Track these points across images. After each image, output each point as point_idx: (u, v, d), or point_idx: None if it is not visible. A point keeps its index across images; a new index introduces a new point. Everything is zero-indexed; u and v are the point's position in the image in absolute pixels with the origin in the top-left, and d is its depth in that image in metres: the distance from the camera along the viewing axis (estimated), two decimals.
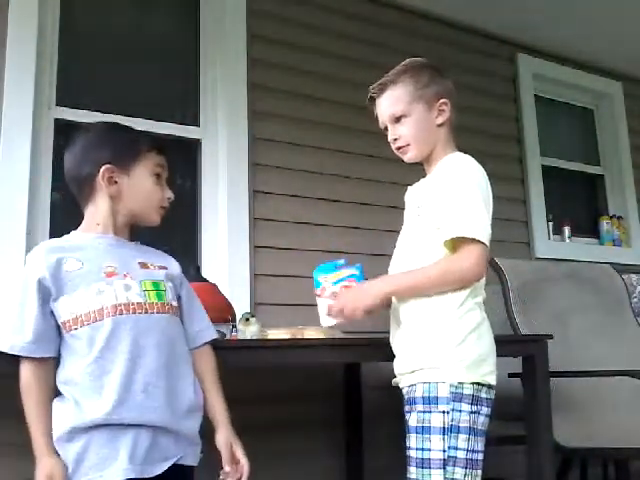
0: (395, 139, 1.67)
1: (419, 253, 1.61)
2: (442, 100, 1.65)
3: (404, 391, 1.60)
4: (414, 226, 1.67)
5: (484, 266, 1.54)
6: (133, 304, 1.36)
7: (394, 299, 1.66)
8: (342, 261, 1.76)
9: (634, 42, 3.77)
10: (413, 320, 1.61)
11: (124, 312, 1.35)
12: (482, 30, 3.59)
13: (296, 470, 2.52)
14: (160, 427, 1.34)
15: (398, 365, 1.63)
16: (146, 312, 1.38)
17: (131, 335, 1.34)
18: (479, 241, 1.51)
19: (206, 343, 1.53)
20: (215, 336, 1.57)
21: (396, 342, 1.66)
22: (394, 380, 1.65)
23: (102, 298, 1.35)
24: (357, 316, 1.62)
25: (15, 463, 2.06)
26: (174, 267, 1.54)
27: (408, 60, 1.72)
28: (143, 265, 1.46)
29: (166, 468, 1.34)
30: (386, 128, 1.71)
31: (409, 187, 1.74)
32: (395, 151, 1.70)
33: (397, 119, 1.66)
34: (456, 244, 1.55)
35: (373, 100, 1.72)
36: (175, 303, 1.46)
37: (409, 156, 1.68)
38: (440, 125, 1.66)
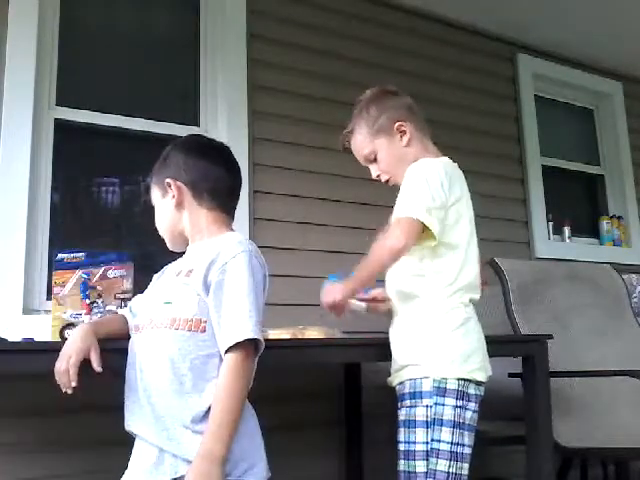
0: (378, 175, 1.79)
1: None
2: (397, 123, 1.74)
3: (396, 389, 1.65)
4: None
5: (408, 235, 1.58)
6: None
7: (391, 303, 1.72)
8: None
9: (634, 42, 3.77)
10: (401, 321, 1.68)
11: None
12: (482, 30, 3.59)
13: (296, 470, 2.52)
14: None
15: (392, 364, 1.70)
16: None
17: None
18: (408, 217, 1.59)
19: None
20: None
21: (391, 342, 1.71)
22: (388, 379, 1.70)
23: None
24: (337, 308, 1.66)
25: (13, 463, 2.06)
26: None
27: (357, 100, 1.83)
28: None
29: None
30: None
31: None
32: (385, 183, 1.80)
33: (370, 159, 1.78)
34: None
35: (348, 149, 1.85)
36: None
37: (396, 183, 1.76)
38: (407, 145, 1.74)
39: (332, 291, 1.63)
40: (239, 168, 1.57)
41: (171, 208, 1.48)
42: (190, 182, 1.47)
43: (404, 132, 1.73)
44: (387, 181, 1.77)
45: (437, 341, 1.58)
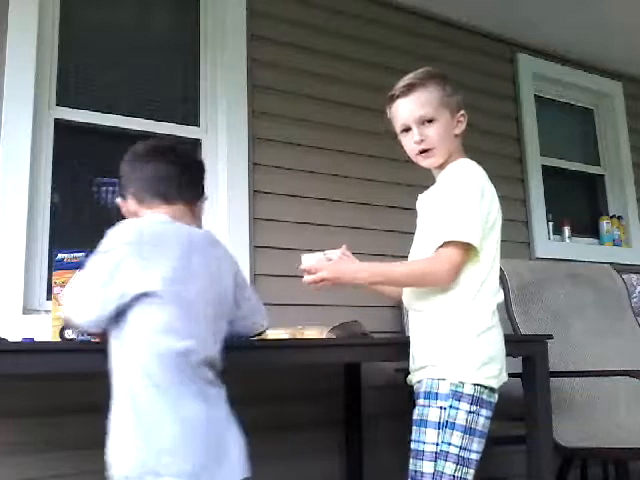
0: (422, 140, 1.67)
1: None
2: (462, 112, 1.72)
3: (414, 387, 1.66)
4: (424, 234, 1.72)
5: (457, 269, 1.58)
6: None
7: (412, 305, 1.72)
8: None
9: (634, 42, 3.77)
10: (425, 320, 1.67)
11: None
12: (482, 30, 3.59)
13: (296, 470, 2.52)
14: None
15: (411, 363, 1.69)
16: None
17: None
18: (459, 242, 1.56)
19: None
20: None
21: (411, 341, 1.71)
22: (408, 378, 1.70)
23: None
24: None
25: (13, 463, 2.06)
26: None
27: (429, 67, 1.73)
28: None
29: None
30: (404, 130, 1.71)
31: (419, 195, 1.78)
32: (415, 156, 1.70)
33: (426, 121, 1.67)
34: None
35: (392, 99, 1.71)
36: None
37: (431, 161, 1.70)
38: (457, 135, 1.72)
39: (334, 270, 1.65)
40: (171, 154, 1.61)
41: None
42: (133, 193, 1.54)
43: (461, 122, 1.72)
44: (423, 152, 1.68)
45: (459, 345, 1.57)
